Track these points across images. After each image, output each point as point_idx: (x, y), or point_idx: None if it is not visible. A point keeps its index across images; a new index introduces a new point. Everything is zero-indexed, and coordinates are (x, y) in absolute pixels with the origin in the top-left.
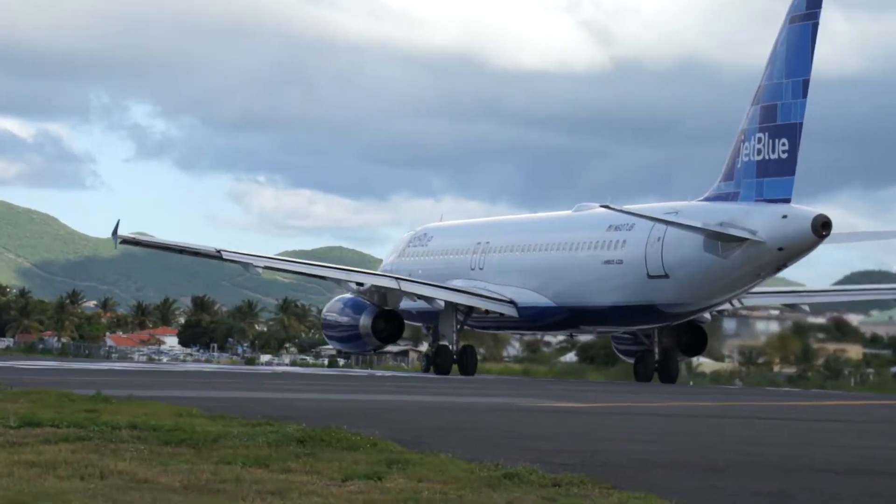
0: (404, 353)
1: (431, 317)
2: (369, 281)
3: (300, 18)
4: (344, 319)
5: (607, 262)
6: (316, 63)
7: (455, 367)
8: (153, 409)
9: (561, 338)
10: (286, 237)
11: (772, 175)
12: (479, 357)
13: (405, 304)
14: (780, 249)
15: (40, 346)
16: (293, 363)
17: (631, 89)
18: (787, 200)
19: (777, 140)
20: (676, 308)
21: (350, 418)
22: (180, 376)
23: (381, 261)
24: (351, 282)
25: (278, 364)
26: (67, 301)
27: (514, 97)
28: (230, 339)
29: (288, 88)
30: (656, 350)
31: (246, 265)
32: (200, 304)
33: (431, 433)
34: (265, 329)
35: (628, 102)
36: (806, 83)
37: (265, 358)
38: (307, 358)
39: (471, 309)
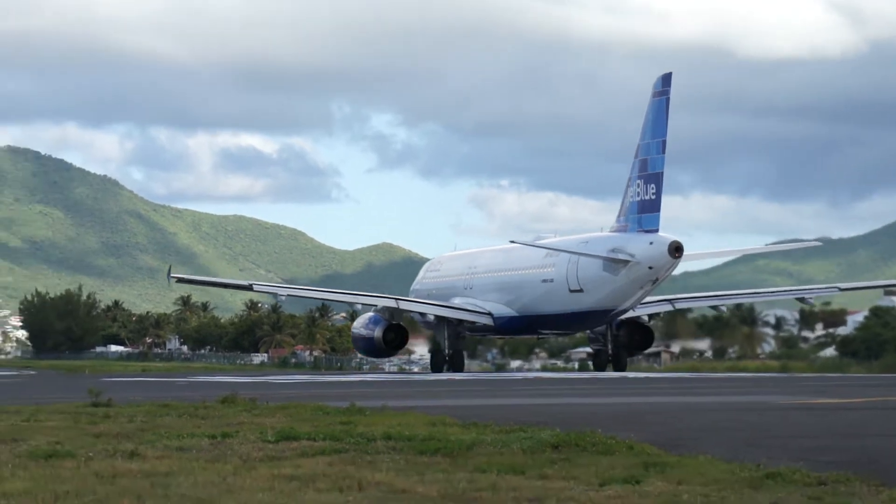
0: (657, 355)
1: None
2: (375, 302)
3: (539, 19)
4: (365, 332)
5: (544, 280)
6: (556, 63)
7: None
8: (407, 419)
9: (819, 333)
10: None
11: (646, 212)
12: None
13: (429, 318)
14: (650, 268)
15: (293, 360)
16: (543, 368)
17: (887, 72)
18: (656, 230)
19: (648, 185)
20: (593, 314)
21: (603, 422)
22: (431, 385)
23: None
24: (357, 304)
25: (528, 370)
26: (317, 315)
27: (764, 87)
28: (480, 346)
29: (529, 90)
30: (609, 347)
31: (274, 294)
32: None
33: (688, 435)
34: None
35: (885, 85)
36: (664, 143)
37: (515, 363)
38: (557, 362)
39: (461, 321)
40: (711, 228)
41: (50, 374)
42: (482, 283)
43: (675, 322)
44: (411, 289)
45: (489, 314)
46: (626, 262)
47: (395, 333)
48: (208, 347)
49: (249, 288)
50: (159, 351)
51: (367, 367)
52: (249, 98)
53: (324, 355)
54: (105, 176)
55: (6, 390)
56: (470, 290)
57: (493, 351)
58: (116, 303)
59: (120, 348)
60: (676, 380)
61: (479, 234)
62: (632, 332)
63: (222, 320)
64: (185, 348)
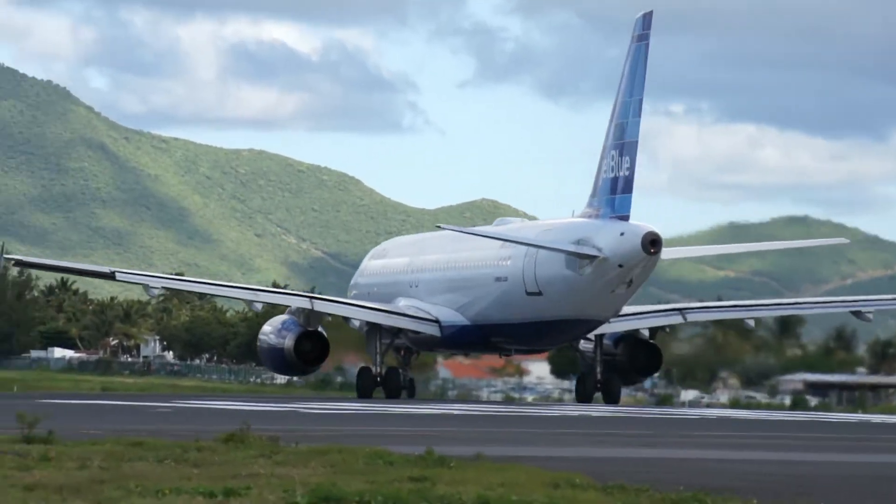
0: None
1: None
2: (284, 301)
3: None
4: (273, 341)
5: (497, 279)
6: None
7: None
8: (514, 475)
9: None
10: (717, 202)
11: (620, 192)
12: None
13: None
14: (621, 266)
15: (339, 378)
16: (733, 403)
17: None
18: (628, 217)
19: (623, 158)
20: (556, 325)
21: (829, 491)
22: (552, 424)
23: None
24: (258, 302)
25: (709, 404)
26: None
27: None
28: None
29: None
30: (598, 370)
31: (145, 286)
32: None
33: None
34: (687, 349)
35: None
36: (641, 103)
37: (688, 395)
38: (755, 395)
39: (400, 329)
40: None
41: None
42: (429, 279)
43: None
44: (351, 283)
45: (436, 321)
46: (593, 257)
47: (312, 343)
48: (206, 356)
49: (111, 276)
50: (129, 359)
51: (454, 392)
52: None
53: (387, 370)
54: (48, 82)
55: None
56: (415, 289)
57: (654, 375)
58: (64, 283)
59: (69, 353)
60: None
61: (636, 188)
62: (633, 350)
63: (228, 314)
64: (169, 356)
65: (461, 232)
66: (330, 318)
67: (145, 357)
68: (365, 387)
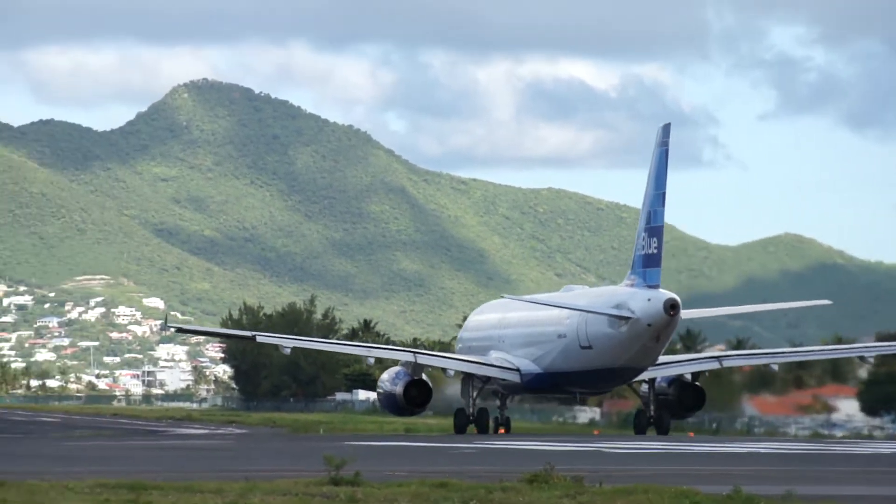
0: None
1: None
2: (391, 356)
3: None
4: (388, 387)
5: (559, 335)
6: None
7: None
8: None
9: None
10: None
11: (649, 266)
12: None
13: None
14: (649, 325)
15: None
16: None
17: None
18: (657, 286)
19: (651, 239)
20: (604, 372)
21: None
22: (863, 462)
23: None
24: (371, 357)
25: None
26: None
27: None
28: None
29: None
30: (651, 407)
31: (280, 346)
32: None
33: None
34: None
35: None
36: (664, 196)
37: None
38: None
39: (488, 377)
40: None
41: (266, 432)
42: (512, 335)
43: None
44: (458, 336)
45: (517, 370)
46: (628, 318)
47: (417, 390)
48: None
49: (252, 339)
50: None
51: (761, 430)
52: (570, 3)
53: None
54: (349, 127)
55: (202, 457)
56: (503, 343)
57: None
58: (367, 325)
59: (372, 395)
60: None
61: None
62: (681, 391)
63: None
64: None
65: (521, 300)
66: (430, 369)
67: None
68: (460, 424)
